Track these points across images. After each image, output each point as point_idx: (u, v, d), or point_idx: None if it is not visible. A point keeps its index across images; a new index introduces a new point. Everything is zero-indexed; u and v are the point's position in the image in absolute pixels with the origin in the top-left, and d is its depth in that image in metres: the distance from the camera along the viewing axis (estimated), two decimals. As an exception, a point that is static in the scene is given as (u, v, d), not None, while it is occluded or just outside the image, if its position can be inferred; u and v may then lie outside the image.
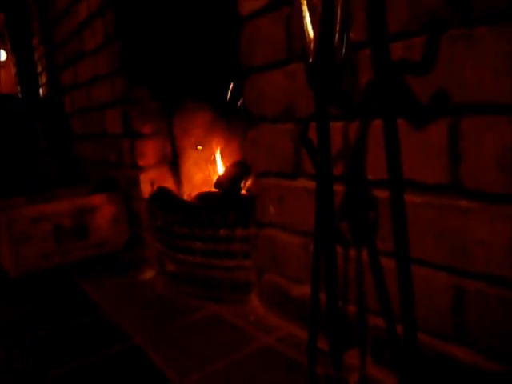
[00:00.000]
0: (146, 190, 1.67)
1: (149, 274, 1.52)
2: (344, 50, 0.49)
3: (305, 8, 0.50)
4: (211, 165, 1.71)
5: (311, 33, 0.50)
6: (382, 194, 0.81)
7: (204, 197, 1.56)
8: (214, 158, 1.70)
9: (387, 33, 0.70)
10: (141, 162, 1.67)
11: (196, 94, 1.64)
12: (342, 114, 0.85)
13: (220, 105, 1.62)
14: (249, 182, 1.43)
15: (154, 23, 1.63)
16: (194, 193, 1.67)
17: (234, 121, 1.56)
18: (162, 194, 1.59)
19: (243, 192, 1.48)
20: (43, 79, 3.07)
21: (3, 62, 5.05)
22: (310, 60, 0.50)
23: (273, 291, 1.15)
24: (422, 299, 0.76)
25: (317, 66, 0.49)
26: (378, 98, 0.77)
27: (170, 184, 1.70)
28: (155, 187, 1.67)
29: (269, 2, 0.98)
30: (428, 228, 0.74)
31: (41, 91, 3.20)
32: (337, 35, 0.52)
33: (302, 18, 0.51)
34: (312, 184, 0.95)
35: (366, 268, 0.87)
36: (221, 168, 1.69)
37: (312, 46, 0.49)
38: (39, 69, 3.15)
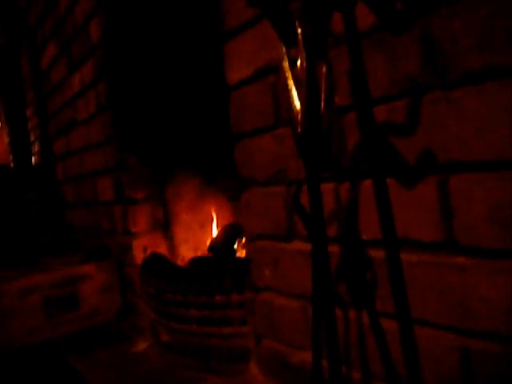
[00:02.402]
0: (139, 256, 1.65)
1: (142, 345, 1.46)
2: (330, 119, 0.51)
3: (291, 82, 0.53)
4: (204, 228, 1.70)
5: (298, 105, 0.52)
6: (377, 253, 0.80)
7: (197, 261, 1.54)
8: (207, 221, 1.70)
9: (370, 98, 0.73)
10: (133, 228, 1.66)
11: (187, 159, 1.66)
12: (332, 176, 0.86)
13: (211, 169, 1.64)
14: (242, 245, 1.42)
15: (144, 93, 1.69)
16: (188, 257, 1.65)
17: (227, 184, 1.58)
18: (154, 260, 1.57)
19: (237, 255, 1.47)
20: (36, 148, 3.12)
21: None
22: (298, 130, 0.51)
23: (272, 359, 1.10)
24: (428, 362, 0.73)
25: (305, 136, 0.51)
26: (366, 159, 0.78)
27: (162, 249, 1.68)
28: (148, 253, 1.64)
29: (255, 72, 1.03)
30: (427, 287, 0.73)
31: (33, 159, 3.24)
32: (322, 104, 0.54)
33: (288, 91, 0.53)
34: (307, 246, 0.94)
35: (367, 331, 0.84)
36: (214, 231, 1.68)
37: (299, 116, 0.51)
38: (32, 138, 3.21)
